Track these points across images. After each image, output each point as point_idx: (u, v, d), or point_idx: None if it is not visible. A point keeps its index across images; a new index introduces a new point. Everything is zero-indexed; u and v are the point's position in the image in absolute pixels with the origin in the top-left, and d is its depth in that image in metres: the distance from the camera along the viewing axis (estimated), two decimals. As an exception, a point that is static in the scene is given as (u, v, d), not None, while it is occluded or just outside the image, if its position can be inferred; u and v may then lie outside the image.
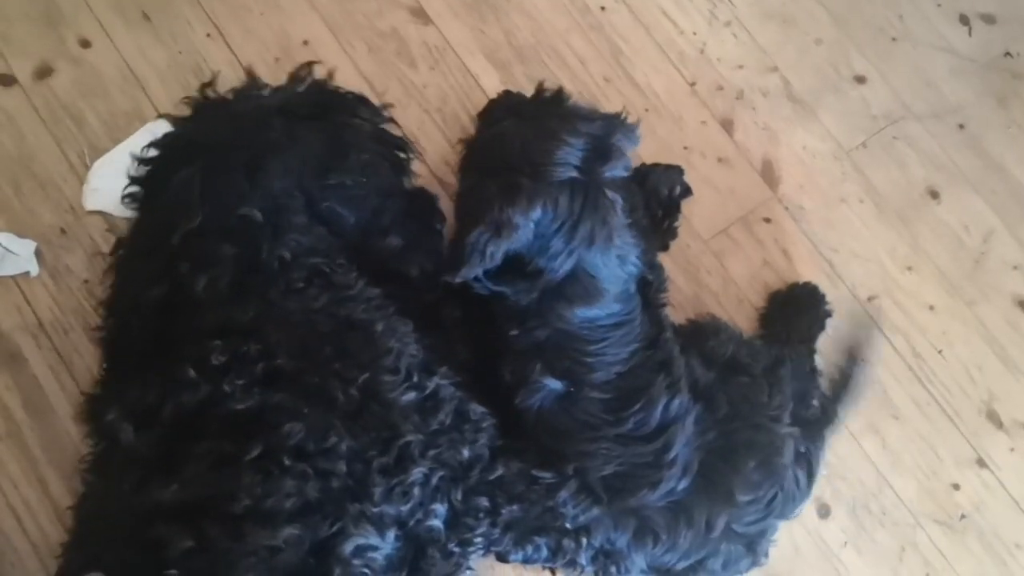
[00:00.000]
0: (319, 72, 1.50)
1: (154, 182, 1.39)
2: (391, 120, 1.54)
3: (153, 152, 1.40)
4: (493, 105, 1.52)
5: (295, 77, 1.46)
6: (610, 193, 1.33)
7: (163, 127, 1.47)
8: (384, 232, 1.43)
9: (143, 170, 1.40)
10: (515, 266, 1.33)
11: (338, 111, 1.42)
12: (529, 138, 1.28)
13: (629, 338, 1.38)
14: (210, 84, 1.43)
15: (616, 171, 1.33)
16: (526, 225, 1.28)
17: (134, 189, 1.41)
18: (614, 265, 1.35)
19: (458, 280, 1.34)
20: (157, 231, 1.31)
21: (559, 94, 1.38)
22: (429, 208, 1.53)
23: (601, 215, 1.31)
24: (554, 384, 1.38)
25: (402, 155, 1.51)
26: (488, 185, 1.29)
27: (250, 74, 1.46)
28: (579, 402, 1.38)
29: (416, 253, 1.46)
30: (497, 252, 1.29)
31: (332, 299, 1.29)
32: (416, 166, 1.64)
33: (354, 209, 1.38)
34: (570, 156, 1.28)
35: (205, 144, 1.34)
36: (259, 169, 1.30)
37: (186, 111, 1.45)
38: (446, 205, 1.61)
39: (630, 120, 1.39)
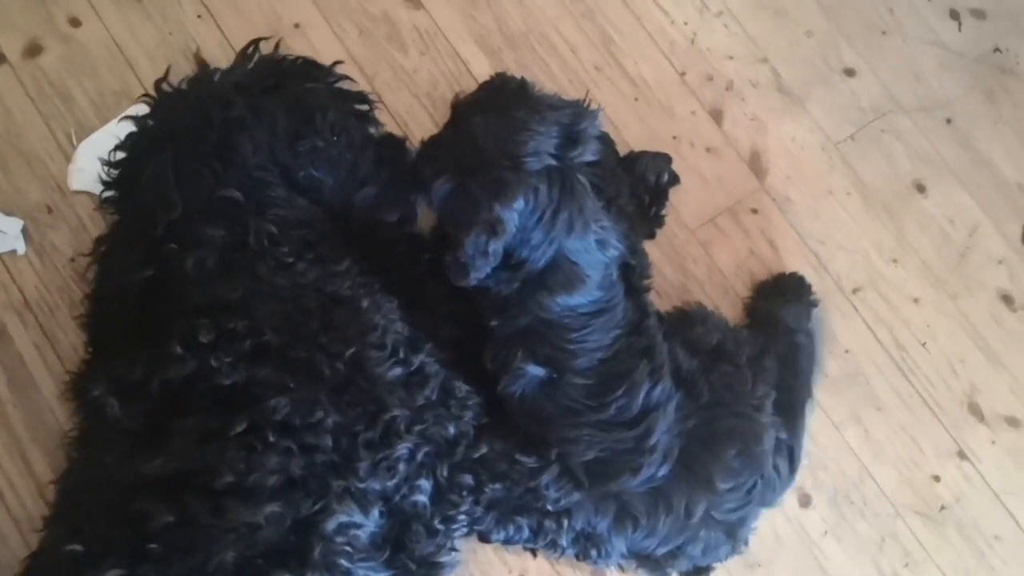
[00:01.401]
0: (265, 47, 1.49)
1: (126, 182, 1.38)
2: (345, 77, 1.53)
3: (120, 155, 1.39)
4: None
5: (243, 55, 1.45)
6: (582, 177, 1.33)
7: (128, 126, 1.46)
8: (360, 185, 1.43)
9: (115, 173, 1.39)
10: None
11: (292, 78, 1.41)
12: (501, 132, 1.28)
13: (611, 324, 1.38)
14: (163, 79, 1.42)
15: (586, 156, 1.33)
16: (513, 218, 1.28)
17: (110, 194, 1.40)
18: (594, 250, 1.35)
19: (471, 284, 1.34)
20: (137, 223, 1.31)
21: (523, 85, 1.37)
22: (399, 151, 1.53)
23: (578, 201, 1.31)
24: (536, 370, 1.38)
25: (364, 107, 1.50)
26: (471, 185, 1.29)
27: (200, 62, 1.46)
28: (561, 388, 1.38)
29: (392, 199, 1.46)
30: (498, 250, 1.29)
31: (320, 274, 1.29)
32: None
33: (330, 170, 1.39)
34: (543, 145, 1.28)
35: (170, 133, 1.33)
36: (229, 148, 1.29)
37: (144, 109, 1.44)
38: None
39: (592, 106, 1.38)
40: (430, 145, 1.39)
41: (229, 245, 1.27)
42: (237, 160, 1.29)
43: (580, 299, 1.36)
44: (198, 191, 1.27)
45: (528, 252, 1.31)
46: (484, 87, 1.40)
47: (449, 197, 1.30)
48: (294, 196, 1.34)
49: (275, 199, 1.31)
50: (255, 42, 1.45)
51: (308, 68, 1.44)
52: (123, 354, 1.24)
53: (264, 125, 1.32)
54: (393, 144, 1.53)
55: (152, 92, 1.42)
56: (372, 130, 1.51)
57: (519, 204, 1.27)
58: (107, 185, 1.39)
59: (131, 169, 1.37)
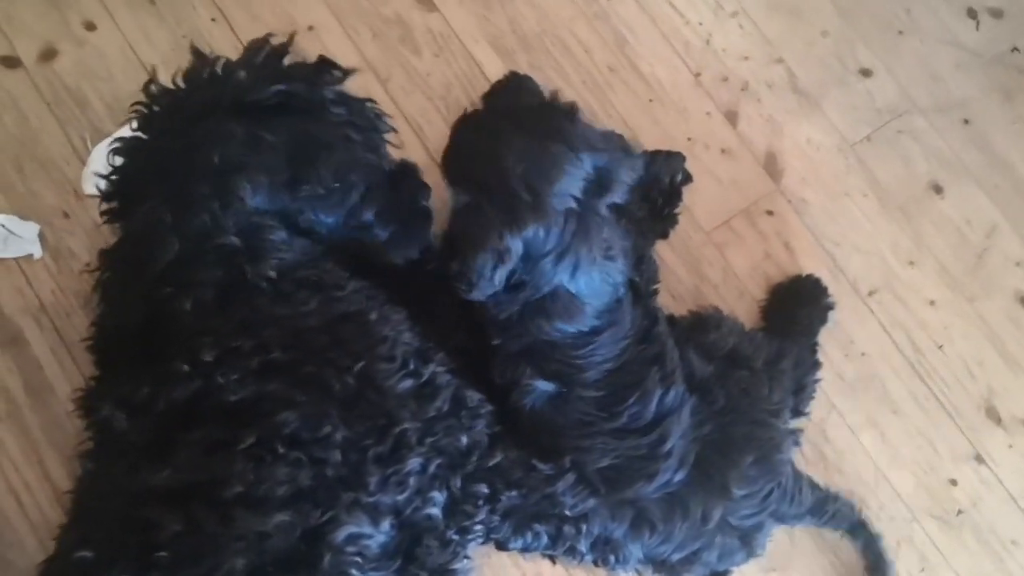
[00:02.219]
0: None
1: (126, 197, 1.34)
2: (373, 101, 1.44)
3: (119, 160, 1.33)
4: (497, 90, 1.49)
5: (251, 49, 1.35)
6: (600, 214, 1.32)
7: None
8: (367, 228, 1.38)
9: (112, 185, 1.34)
10: None
11: (301, 97, 1.32)
12: (532, 162, 1.26)
13: (619, 336, 1.38)
14: (152, 81, 1.35)
15: (612, 200, 1.32)
16: (519, 246, 1.28)
17: (108, 206, 1.35)
18: (597, 282, 1.34)
19: (473, 299, 1.34)
20: (134, 259, 1.28)
21: (571, 111, 1.33)
22: (412, 186, 1.46)
23: (588, 243, 1.30)
24: (545, 386, 1.38)
25: (376, 135, 1.42)
26: (487, 206, 1.27)
27: (196, 53, 1.37)
28: (571, 401, 1.39)
29: (401, 242, 1.42)
30: (502, 276, 1.29)
31: (322, 300, 1.28)
32: (416, 147, 1.65)
33: (331, 213, 1.34)
34: (571, 187, 1.26)
35: (165, 166, 1.27)
36: (227, 192, 1.24)
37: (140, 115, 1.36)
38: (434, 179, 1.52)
39: (637, 150, 1.36)
40: (455, 147, 1.37)
41: (227, 283, 1.24)
42: (235, 204, 1.24)
43: (579, 326, 1.35)
44: (194, 236, 1.23)
45: (529, 277, 1.31)
46: (501, 92, 1.38)
47: (463, 210, 1.29)
48: (294, 238, 1.30)
49: (274, 243, 1.27)
50: (264, 40, 1.36)
51: (318, 76, 1.36)
52: (129, 373, 1.23)
53: (264, 165, 1.26)
54: (405, 175, 1.46)
55: (144, 99, 1.35)
56: (382, 159, 1.42)
57: (529, 234, 1.26)
58: (105, 197, 1.35)
59: (127, 185, 1.33)
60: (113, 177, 1.34)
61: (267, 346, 1.19)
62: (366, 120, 1.39)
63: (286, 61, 1.36)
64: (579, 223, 1.28)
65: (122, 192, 1.34)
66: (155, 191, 1.26)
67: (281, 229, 1.29)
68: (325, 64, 1.38)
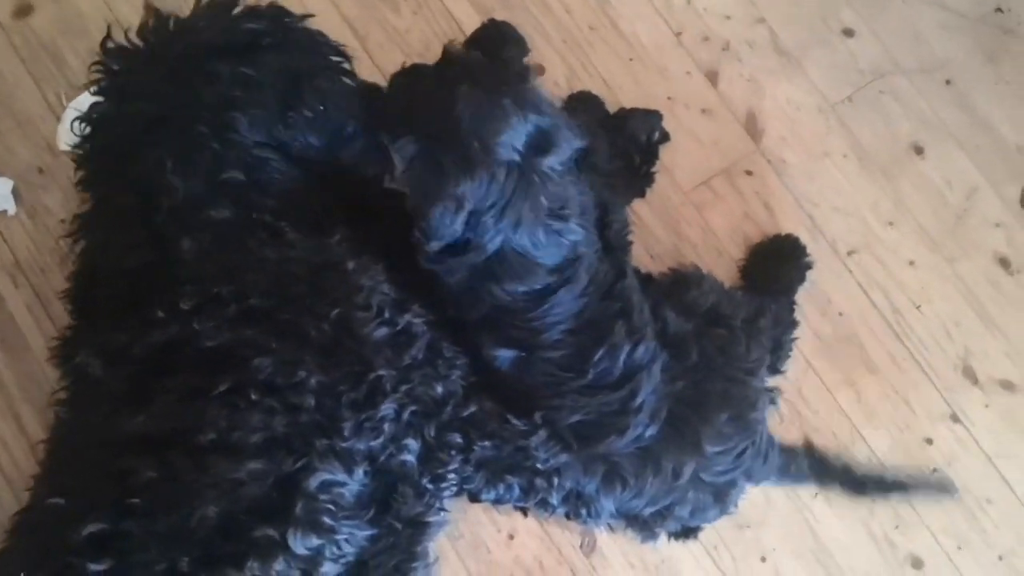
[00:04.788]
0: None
1: (106, 161, 1.33)
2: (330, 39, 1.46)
3: (88, 129, 1.33)
4: (478, 37, 1.46)
5: (203, 3, 1.37)
6: (540, 177, 1.31)
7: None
8: (349, 139, 1.39)
9: (84, 154, 1.35)
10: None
11: (269, 35, 1.34)
12: (482, 112, 1.25)
13: (575, 292, 1.36)
14: (108, 38, 1.35)
15: (551, 164, 1.31)
16: (472, 195, 1.27)
17: (82, 174, 1.35)
18: (543, 239, 1.32)
19: (433, 249, 1.32)
20: (132, 208, 1.27)
21: (523, 73, 1.34)
22: (377, 100, 1.47)
23: (530, 201, 1.29)
24: (506, 353, 1.38)
25: (339, 59, 1.44)
26: (439, 156, 1.26)
27: (151, 9, 1.38)
28: (535, 364, 1.38)
29: (375, 152, 1.39)
30: (461, 223, 1.28)
31: (312, 246, 1.28)
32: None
33: (318, 134, 1.35)
34: (515, 140, 1.26)
35: (156, 115, 1.27)
36: (225, 128, 1.26)
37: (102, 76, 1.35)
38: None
39: (579, 129, 1.36)
40: (398, 98, 1.37)
41: (227, 222, 1.26)
42: (236, 141, 1.27)
43: (530, 285, 1.34)
44: (199, 175, 1.25)
45: (476, 236, 1.29)
46: (481, 37, 1.37)
47: (414, 160, 1.28)
48: (291, 168, 1.32)
49: (274, 176, 1.30)
50: None
51: (279, 16, 1.38)
52: (107, 320, 1.24)
53: (255, 100, 1.28)
54: (372, 93, 1.48)
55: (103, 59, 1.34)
56: (350, 82, 1.45)
57: (481, 183, 1.26)
58: (79, 165, 1.34)
59: (109, 145, 1.33)
60: (85, 145, 1.34)
61: (246, 293, 1.20)
62: (331, 49, 1.42)
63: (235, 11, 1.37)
64: (520, 178, 1.27)
65: (95, 160, 1.34)
66: (156, 143, 1.26)
67: (279, 160, 1.32)
68: (280, 8, 1.41)
